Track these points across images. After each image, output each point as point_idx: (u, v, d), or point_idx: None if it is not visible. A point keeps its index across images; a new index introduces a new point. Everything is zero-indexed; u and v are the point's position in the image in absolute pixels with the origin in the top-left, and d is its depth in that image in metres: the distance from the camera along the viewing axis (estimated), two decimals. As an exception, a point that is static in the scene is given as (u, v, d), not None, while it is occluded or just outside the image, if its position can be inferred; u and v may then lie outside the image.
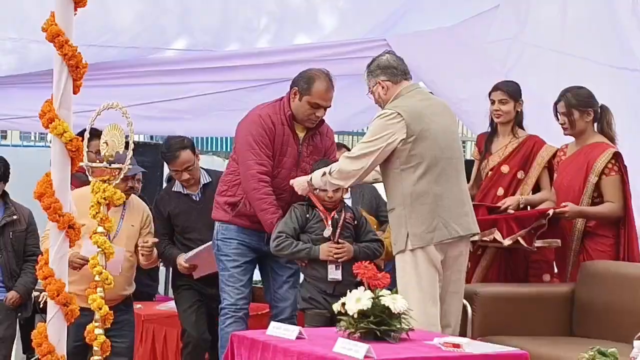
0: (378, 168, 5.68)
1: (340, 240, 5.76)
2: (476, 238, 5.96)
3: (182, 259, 6.46)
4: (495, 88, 6.74)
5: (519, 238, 6.24)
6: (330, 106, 5.99)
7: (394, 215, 5.58)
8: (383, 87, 5.69)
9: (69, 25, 4.17)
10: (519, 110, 6.72)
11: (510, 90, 6.70)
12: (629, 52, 7.33)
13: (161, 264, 7.11)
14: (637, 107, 7.30)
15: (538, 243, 6.35)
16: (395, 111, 5.50)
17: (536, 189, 6.68)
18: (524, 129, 6.78)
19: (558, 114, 6.46)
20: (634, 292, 5.75)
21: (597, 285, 6.01)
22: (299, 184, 5.81)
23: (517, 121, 6.74)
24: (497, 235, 6.24)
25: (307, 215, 5.83)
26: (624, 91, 7.33)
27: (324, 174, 5.62)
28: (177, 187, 6.64)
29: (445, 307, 5.59)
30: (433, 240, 5.47)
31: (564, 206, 6.25)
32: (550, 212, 6.24)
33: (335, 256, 5.71)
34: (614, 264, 6.16)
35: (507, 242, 6.23)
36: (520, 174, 6.67)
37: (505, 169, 6.67)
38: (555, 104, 6.47)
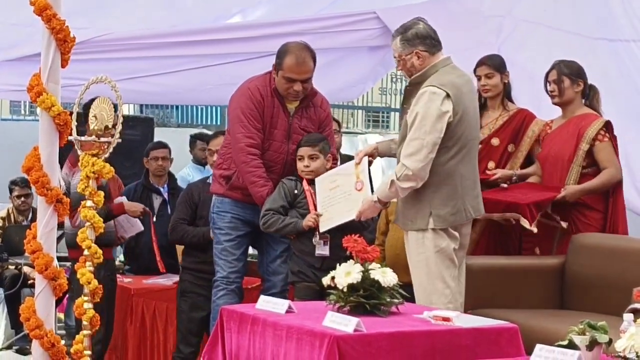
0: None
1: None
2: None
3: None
4: (480, 63, 6.71)
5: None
6: (308, 78, 5.89)
7: (415, 190, 5.42)
8: (419, 57, 5.53)
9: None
10: (506, 82, 6.70)
11: (495, 64, 6.68)
12: (618, 25, 7.32)
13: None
14: (630, 79, 7.30)
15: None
16: (444, 89, 5.38)
17: (526, 162, 6.67)
18: (512, 101, 6.77)
19: (548, 82, 6.45)
20: (625, 265, 5.76)
21: (587, 258, 6.02)
22: (366, 208, 5.55)
23: (506, 93, 6.72)
24: (524, 223, 6.22)
25: (296, 191, 5.81)
26: (615, 64, 7.32)
27: (392, 183, 5.41)
28: (210, 180, 6.52)
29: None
30: (455, 222, 5.43)
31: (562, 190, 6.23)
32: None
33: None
34: (604, 236, 6.16)
35: (534, 229, 6.20)
36: (510, 147, 6.66)
37: (495, 141, 6.65)
38: (547, 73, 6.47)
